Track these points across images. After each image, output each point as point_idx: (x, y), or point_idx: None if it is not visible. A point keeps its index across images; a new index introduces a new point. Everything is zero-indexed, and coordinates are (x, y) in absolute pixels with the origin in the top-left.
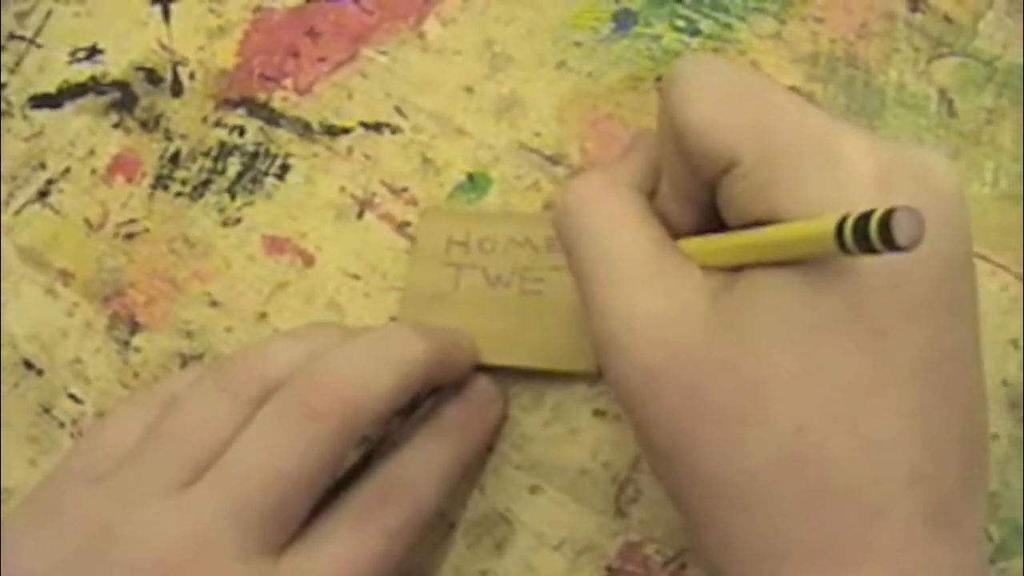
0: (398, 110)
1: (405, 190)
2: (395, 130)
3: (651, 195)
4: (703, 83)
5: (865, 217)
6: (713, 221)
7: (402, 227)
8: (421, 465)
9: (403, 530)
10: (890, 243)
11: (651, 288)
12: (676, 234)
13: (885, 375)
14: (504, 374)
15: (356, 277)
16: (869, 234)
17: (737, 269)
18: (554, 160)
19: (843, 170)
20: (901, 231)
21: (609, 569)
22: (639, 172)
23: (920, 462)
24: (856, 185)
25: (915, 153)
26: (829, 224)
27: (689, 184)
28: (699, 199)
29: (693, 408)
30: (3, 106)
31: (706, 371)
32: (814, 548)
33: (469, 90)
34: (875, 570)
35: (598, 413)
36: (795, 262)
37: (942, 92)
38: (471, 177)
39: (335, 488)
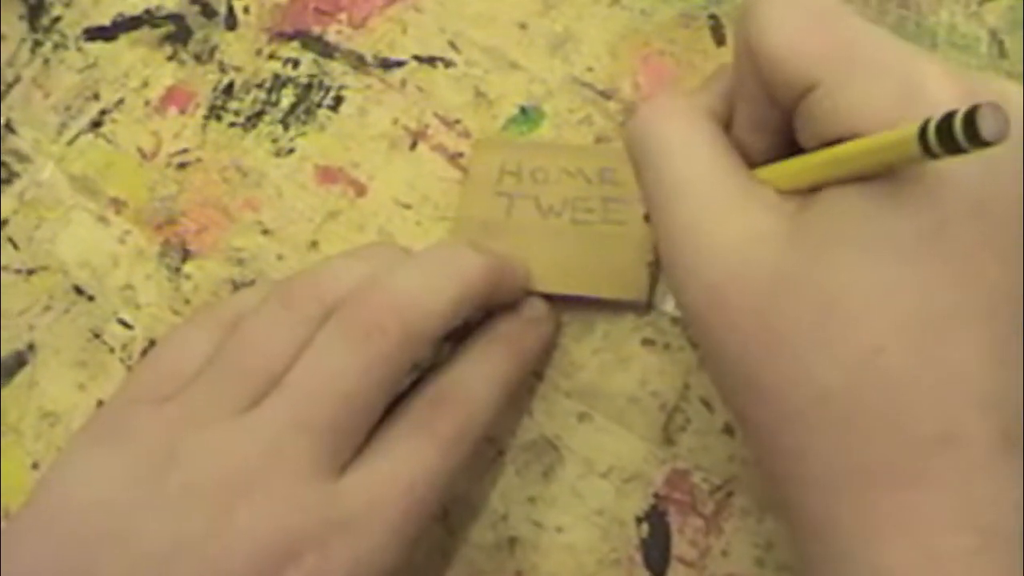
0: (452, 44)
1: (458, 122)
2: (448, 64)
3: (725, 127)
4: (781, 10)
5: (949, 116)
6: (787, 152)
7: (455, 158)
8: (473, 375)
9: (456, 440)
10: (976, 139)
11: (721, 208)
12: (751, 164)
13: (967, 300)
14: (555, 303)
15: (407, 206)
16: (954, 133)
17: (815, 191)
18: (606, 95)
19: (927, 89)
20: (987, 126)
21: (656, 496)
22: (715, 101)
23: (993, 391)
24: (940, 104)
25: (991, 81)
26: (912, 128)
27: (765, 111)
28: (774, 127)
29: (764, 330)
30: (57, 38)
31: (779, 291)
32: (883, 473)
33: (523, 26)
34: (943, 496)
35: (647, 342)
36: (877, 178)
37: (992, 33)
38: (524, 110)
39: (387, 412)
